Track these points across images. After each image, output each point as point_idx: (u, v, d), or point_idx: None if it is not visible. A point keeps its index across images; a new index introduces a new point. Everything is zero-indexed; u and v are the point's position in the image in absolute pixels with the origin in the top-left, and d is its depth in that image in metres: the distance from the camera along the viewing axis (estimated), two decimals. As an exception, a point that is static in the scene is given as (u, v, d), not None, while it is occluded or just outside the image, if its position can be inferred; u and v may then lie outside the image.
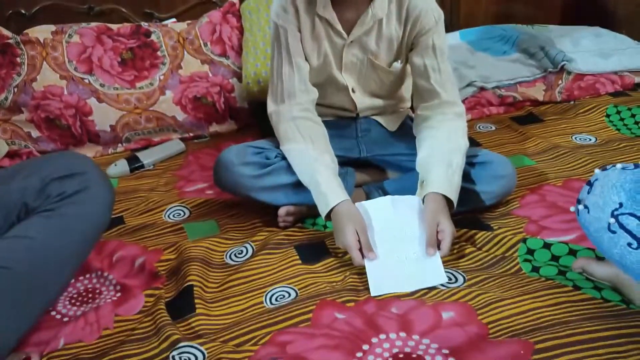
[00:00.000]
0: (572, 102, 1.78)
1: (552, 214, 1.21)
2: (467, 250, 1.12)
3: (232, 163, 1.18)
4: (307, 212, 1.24)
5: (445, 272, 1.05)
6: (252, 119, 1.75)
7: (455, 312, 0.93)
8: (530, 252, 1.08)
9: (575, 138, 1.57)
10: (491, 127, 1.69)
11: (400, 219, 1.10)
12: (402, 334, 0.89)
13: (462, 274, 1.06)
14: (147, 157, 1.59)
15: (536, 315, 0.90)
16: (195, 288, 1.04)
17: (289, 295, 1.03)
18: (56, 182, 0.90)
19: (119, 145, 1.70)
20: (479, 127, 1.69)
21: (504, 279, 1.02)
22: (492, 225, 1.20)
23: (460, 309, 0.94)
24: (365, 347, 0.87)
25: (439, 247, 1.06)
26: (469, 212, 1.21)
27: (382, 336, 0.88)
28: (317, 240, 1.18)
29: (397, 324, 0.91)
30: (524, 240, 1.10)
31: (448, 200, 1.10)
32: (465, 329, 0.88)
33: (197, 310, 0.99)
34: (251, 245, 1.18)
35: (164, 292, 1.05)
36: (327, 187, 1.11)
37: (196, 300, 1.01)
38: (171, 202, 1.37)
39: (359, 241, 1.06)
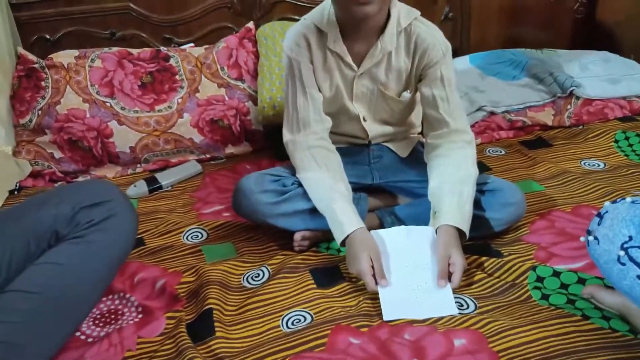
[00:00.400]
0: (580, 127, 1.81)
1: (561, 240, 1.24)
2: (478, 277, 1.15)
3: (251, 191, 1.23)
4: (322, 237, 1.28)
5: (456, 298, 1.08)
6: (267, 141, 1.79)
7: (466, 339, 0.96)
8: (540, 279, 1.11)
9: (584, 163, 1.60)
10: (501, 151, 1.72)
11: (414, 249, 1.14)
12: (415, 361, 0.92)
13: (474, 300, 1.09)
14: (165, 179, 1.63)
15: (546, 344, 0.92)
16: (214, 311, 1.07)
17: (305, 319, 1.06)
18: (85, 210, 0.95)
19: (138, 165, 1.75)
20: (488, 151, 1.72)
21: (515, 306, 1.05)
22: (502, 251, 1.23)
23: (472, 336, 0.97)
24: (380, 373, 0.90)
25: (450, 279, 1.09)
26: (479, 238, 1.24)
27: (396, 363, 0.92)
28: (331, 265, 1.22)
29: (410, 351, 0.94)
30: (534, 268, 1.13)
31: (460, 230, 1.14)
32: (477, 357, 0.91)
33: (217, 333, 1.02)
34: (267, 269, 1.22)
35: (184, 315, 1.09)
36: (342, 215, 1.15)
37: (216, 324, 1.05)
38: (189, 224, 1.41)
39: (373, 267, 1.09)
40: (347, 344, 0.98)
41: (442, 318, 1.03)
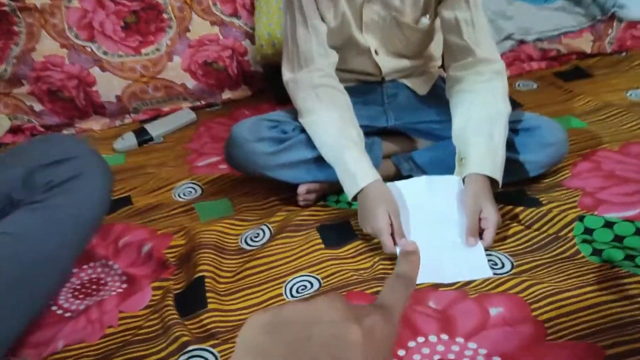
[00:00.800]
0: (624, 54, 1.59)
1: (610, 184, 1.06)
2: (513, 230, 0.98)
3: (245, 140, 1.05)
4: (330, 189, 1.12)
5: (489, 256, 0.92)
6: (267, 84, 1.61)
7: (504, 307, 0.80)
8: (589, 231, 0.94)
9: (630, 94, 1.39)
10: (533, 85, 1.52)
11: (438, 202, 0.97)
12: (444, 337, 0.77)
13: (509, 258, 0.93)
14: (156, 129, 1.47)
15: (604, 311, 0.76)
16: (206, 280, 0.93)
17: (312, 285, 0.91)
18: (42, 170, 0.79)
19: (127, 116, 1.59)
20: (518, 85, 1.52)
21: (559, 264, 0.89)
22: (540, 199, 1.05)
23: (510, 303, 0.81)
24: (401, 352, 0.75)
25: (480, 237, 0.92)
26: (512, 184, 1.07)
27: (421, 339, 0.76)
28: (341, 221, 1.06)
29: (437, 324, 0.79)
30: (581, 218, 0.95)
31: (492, 179, 0.96)
32: (518, 329, 0.76)
33: (209, 305, 0.88)
34: (268, 228, 1.07)
35: (173, 284, 0.95)
36: (355, 165, 0.98)
37: (208, 294, 0.90)
38: (182, 179, 1.26)
39: (391, 225, 0.93)
40: (361, 315, 0.83)
41: (473, 281, 0.87)
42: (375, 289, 0.88)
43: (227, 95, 1.62)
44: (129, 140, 1.44)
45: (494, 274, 0.89)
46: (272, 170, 1.06)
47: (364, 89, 1.20)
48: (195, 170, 1.29)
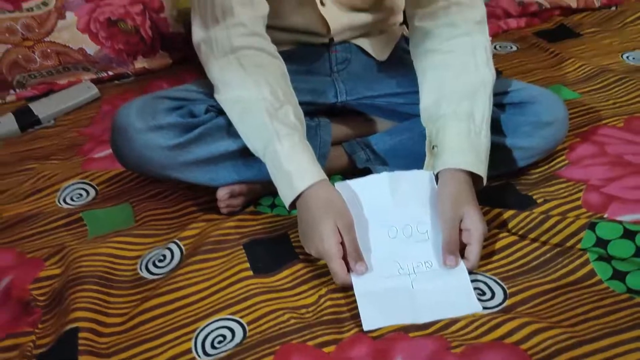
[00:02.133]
0: (613, 8, 1.36)
1: (621, 174, 0.83)
2: (503, 242, 0.74)
3: (133, 129, 0.76)
4: (263, 190, 0.84)
5: (474, 281, 0.68)
6: (192, 49, 1.29)
7: (503, 368, 0.56)
8: (602, 243, 0.70)
9: (627, 57, 1.16)
10: (511, 47, 1.27)
11: (404, 208, 0.72)
12: None
13: (500, 282, 0.69)
14: (44, 110, 1.15)
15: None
16: (81, 334, 0.65)
17: (233, 335, 0.65)
18: None
19: (9, 92, 1.25)
20: (495, 47, 1.27)
21: (571, 294, 0.66)
22: (533, 196, 0.82)
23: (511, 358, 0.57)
24: None
25: (462, 255, 0.68)
26: (494, 177, 0.82)
27: None
28: (277, 234, 0.79)
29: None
30: (592, 226, 0.72)
31: (474, 174, 0.72)
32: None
33: (82, 376, 0.61)
34: (179, 246, 0.79)
35: (37, 339, 0.67)
36: (291, 161, 0.71)
37: (81, 357, 0.63)
38: (70, 177, 0.96)
39: (342, 244, 0.67)
40: (300, 383, 0.58)
41: (454, 322, 0.63)
42: (321, 339, 0.63)
43: (141, 64, 1.30)
44: (7, 124, 1.12)
45: (483, 308, 0.65)
46: (177, 170, 0.78)
47: (306, 53, 0.91)
48: (89, 165, 0.99)
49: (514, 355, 0.58)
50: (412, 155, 0.81)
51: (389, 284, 0.68)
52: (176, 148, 0.75)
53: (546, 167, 0.88)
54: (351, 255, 0.67)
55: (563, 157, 0.89)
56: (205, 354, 0.64)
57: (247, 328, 0.66)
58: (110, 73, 1.29)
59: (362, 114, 0.93)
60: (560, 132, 0.84)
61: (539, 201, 0.80)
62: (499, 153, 0.81)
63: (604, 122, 0.95)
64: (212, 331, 0.66)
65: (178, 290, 0.71)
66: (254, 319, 0.67)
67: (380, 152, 0.89)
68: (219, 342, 0.65)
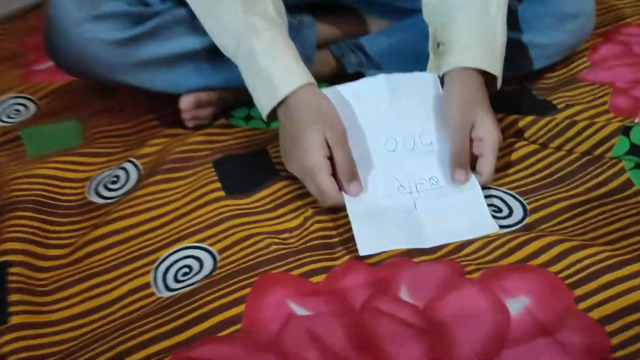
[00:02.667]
0: None
1: (653, 75, 0.71)
2: (521, 152, 0.63)
3: (71, 20, 0.60)
4: (234, 99, 0.71)
5: (488, 197, 0.57)
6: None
7: (530, 296, 0.46)
8: (637, 150, 0.59)
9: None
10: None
11: (405, 116, 0.60)
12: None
13: (519, 198, 0.58)
14: (-24, 17, 0.98)
15: None
16: (11, 268, 0.53)
17: (201, 266, 0.54)
18: None
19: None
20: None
21: (605, 207, 0.55)
22: (553, 101, 0.70)
23: (540, 286, 0.47)
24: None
25: (473, 168, 0.57)
26: (507, 81, 0.69)
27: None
28: (253, 150, 0.67)
29: (417, 338, 0.44)
30: (625, 131, 0.60)
31: (486, 75, 0.60)
32: (563, 340, 0.42)
33: (11, 319, 0.49)
34: (135, 165, 0.66)
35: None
36: (272, 61, 0.57)
37: (12, 297, 0.51)
38: (7, 90, 0.81)
39: (331, 159, 0.55)
40: (283, 319, 0.47)
41: (467, 244, 0.53)
42: (308, 267, 0.52)
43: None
44: None
45: (501, 228, 0.55)
46: (128, 72, 0.63)
47: None
48: (30, 77, 0.84)
49: (543, 279, 0.48)
50: (412, 57, 0.68)
51: (389, 205, 0.56)
52: (125, 44, 0.61)
53: (565, 70, 0.76)
54: (343, 173, 0.55)
55: (584, 59, 0.77)
56: (168, 288, 0.52)
57: (217, 257, 0.55)
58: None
59: (352, 10, 0.79)
60: (586, 27, 0.72)
61: (559, 106, 0.69)
62: (513, 51, 0.67)
63: (627, 20, 0.83)
64: (175, 262, 0.55)
65: (134, 215, 0.59)
66: (227, 246, 0.55)
67: (375, 55, 0.75)
68: (184, 275, 0.53)
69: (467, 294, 0.47)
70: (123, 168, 0.66)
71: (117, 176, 0.65)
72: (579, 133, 0.62)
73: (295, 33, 0.71)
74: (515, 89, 0.73)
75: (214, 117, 0.71)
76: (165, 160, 0.65)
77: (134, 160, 0.66)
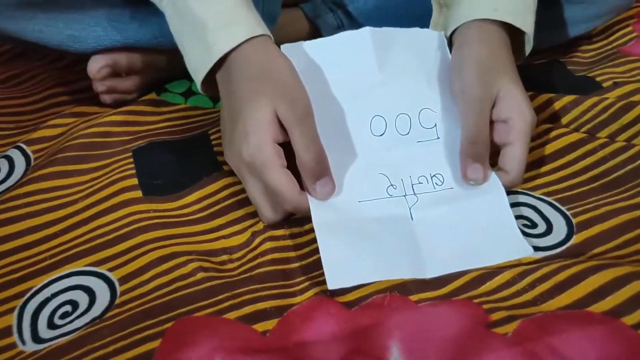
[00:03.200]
0: None
1: None
2: (560, 142, 0.45)
3: None
4: (169, 66, 0.53)
5: (515, 206, 0.40)
6: None
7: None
8: None
9: None
10: None
11: (399, 87, 0.43)
12: None
13: (559, 206, 0.41)
14: None
15: None
16: None
17: (91, 302, 0.36)
18: None
19: None
20: None
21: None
22: (595, 78, 0.53)
23: (611, 346, 0.29)
24: None
25: (494, 163, 0.41)
26: (538, 52, 0.52)
27: None
28: (189, 135, 0.49)
29: None
30: None
31: (513, 35, 0.43)
32: None
33: None
34: (24, 153, 0.48)
35: None
36: (207, 3, 0.39)
37: None
38: None
39: (289, 146, 0.37)
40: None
41: (489, 275, 0.35)
42: (251, 308, 0.34)
43: None
44: None
45: (537, 251, 0.37)
46: (7, 17, 0.44)
47: None
48: None
49: (615, 335, 0.30)
50: (408, 17, 0.50)
51: (373, 213, 0.38)
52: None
53: (605, 42, 0.60)
54: (306, 166, 0.37)
55: (629, 29, 0.60)
56: (36, 337, 0.34)
57: (117, 289, 0.36)
58: None
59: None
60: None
61: (605, 85, 0.52)
62: (546, 11, 0.50)
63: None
64: (54, 295, 0.37)
65: (5, 224, 0.41)
66: (132, 273, 0.37)
67: (359, 15, 0.58)
68: (63, 316, 0.35)
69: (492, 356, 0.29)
70: (6, 156, 0.47)
71: (-2, 167, 0.46)
72: (639, 119, 0.45)
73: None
74: (545, 63, 0.55)
75: (142, 92, 0.53)
76: (66, 147, 0.46)
77: (22, 146, 0.48)
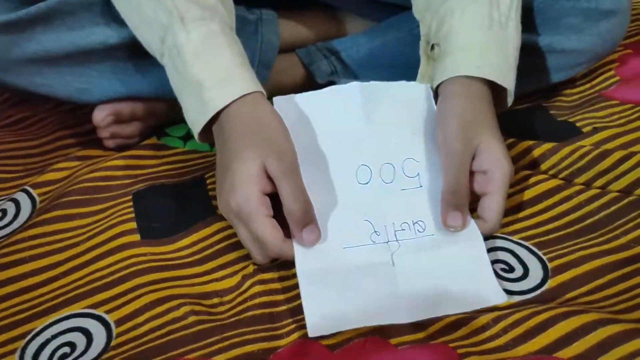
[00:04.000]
0: None
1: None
2: (538, 188, 0.47)
3: None
4: (169, 113, 0.56)
5: (491, 251, 0.42)
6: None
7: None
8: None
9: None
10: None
11: (385, 138, 0.45)
12: None
13: (536, 251, 0.43)
14: None
15: None
16: None
17: (88, 343, 0.38)
18: None
19: None
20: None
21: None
22: (575, 123, 0.55)
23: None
24: None
25: (473, 210, 0.43)
26: (516, 97, 0.54)
27: None
28: (186, 179, 0.52)
29: None
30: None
31: (494, 88, 0.45)
32: None
33: None
34: (30, 195, 0.51)
35: None
36: (204, 60, 0.42)
37: None
38: None
39: (271, 196, 0.40)
40: None
41: (465, 320, 0.37)
42: (238, 351, 0.36)
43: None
44: None
45: (513, 296, 0.39)
46: (12, 71, 0.48)
47: None
48: None
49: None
50: (398, 66, 0.53)
51: (355, 260, 0.41)
52: (5, 31, 0.45)
53: (587, 85, 0.61)
54: (293, 215, 0.39)
55: (611, 72, 0.62)
56: (35, 380, 0.36)
57: (113, 330, 0.39)
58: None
59: (325, 6, 0.64)
60: (620, 29, 0.57)
61: (585, 130, 0.54)
62: (527, 59, 0.52)
63: (659, 29, 0.69)
64: (54, 336, 0.39)
65: (10, 266, 0.43)
66: (128, 315, 0.39)
67: (352, 62, 0.61)
68: (61, 358, 0.37)
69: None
70: (13, 199, 0.50)
71: (3, 210, 0.49)
72: (614, 166, 0.47)
73: (252, 30, 0.58)
74: (527, 107, 0.58)
75: (143, 136, 0.56)
76: (69, 190, 0.49)
77: (28, 189, 0.51)
